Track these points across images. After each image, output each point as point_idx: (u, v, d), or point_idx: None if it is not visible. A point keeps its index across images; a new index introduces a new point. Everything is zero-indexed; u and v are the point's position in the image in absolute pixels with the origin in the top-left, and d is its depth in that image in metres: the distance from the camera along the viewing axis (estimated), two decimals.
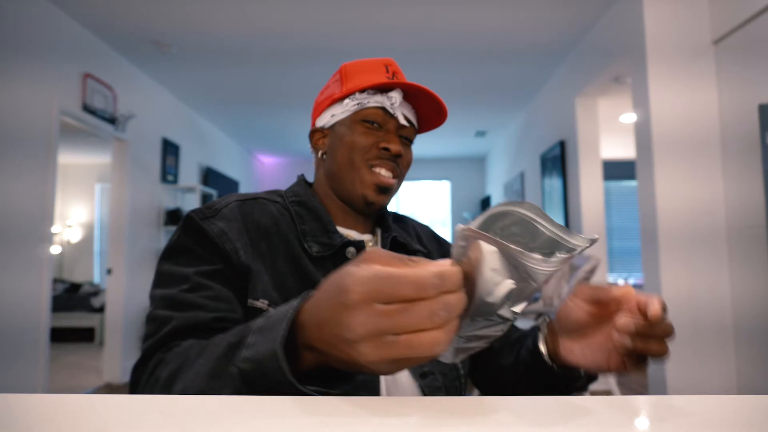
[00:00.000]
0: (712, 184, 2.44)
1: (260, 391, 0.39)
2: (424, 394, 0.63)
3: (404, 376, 0.64)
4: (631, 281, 5.13)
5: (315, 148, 0.77)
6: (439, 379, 0.66)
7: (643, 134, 2.58)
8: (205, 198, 5.17)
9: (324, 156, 0.75)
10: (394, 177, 0.72)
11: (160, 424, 0.31)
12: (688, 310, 2.40)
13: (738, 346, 2.36)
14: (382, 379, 0.62)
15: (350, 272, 0.34)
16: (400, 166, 0.73)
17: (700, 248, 2.42)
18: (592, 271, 2.92)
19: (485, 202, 7.38)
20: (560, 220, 4.05)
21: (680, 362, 2.38)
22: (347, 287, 0.33)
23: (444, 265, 0.33)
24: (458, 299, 0.32)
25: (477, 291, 0.36)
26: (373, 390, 0.61)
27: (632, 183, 5.55)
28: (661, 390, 2.43)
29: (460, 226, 0.34)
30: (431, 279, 0.32)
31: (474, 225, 0.36)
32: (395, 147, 0.70)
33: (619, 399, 0.38)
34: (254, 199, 0.71)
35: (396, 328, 0.31)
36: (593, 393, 3.19)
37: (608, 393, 3.22)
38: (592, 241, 0.36)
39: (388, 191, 0.72)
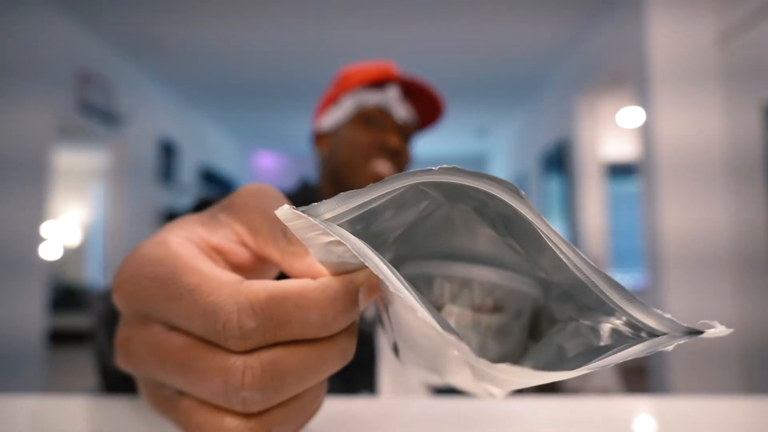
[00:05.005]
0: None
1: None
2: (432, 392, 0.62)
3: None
4: (632, 281, 5.14)
5: (318, 151, 0.78)
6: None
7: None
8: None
9: (327, 158, 0.76)
10: (393, 171, 0.73)
11: (165, 426, 0.31)
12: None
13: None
14: (384, 365, 0.58)
15: (141, 248, 0.19)
16: (400, 161, 0.74)
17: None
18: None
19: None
20: (561, 222, 4.00)
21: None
22: (116, 279, 0.19)
23: (307, 271, 0.18)
24: (300, 360, 0.16)
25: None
26: (368, 376, 0.57)
27: (632, 183, 5.56)
28: None
29: (287, 209, 0.14)
30: (242, 307, 0.15)
31: (336, 207, 0.15)
32: (393, 142, 0.71)
33: (619, 399, 0.38)
34: None
35: (173, 381, 0.17)
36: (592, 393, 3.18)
37: (606, 392, 3.21)
38: (691, 332, 0.14)
39: None
